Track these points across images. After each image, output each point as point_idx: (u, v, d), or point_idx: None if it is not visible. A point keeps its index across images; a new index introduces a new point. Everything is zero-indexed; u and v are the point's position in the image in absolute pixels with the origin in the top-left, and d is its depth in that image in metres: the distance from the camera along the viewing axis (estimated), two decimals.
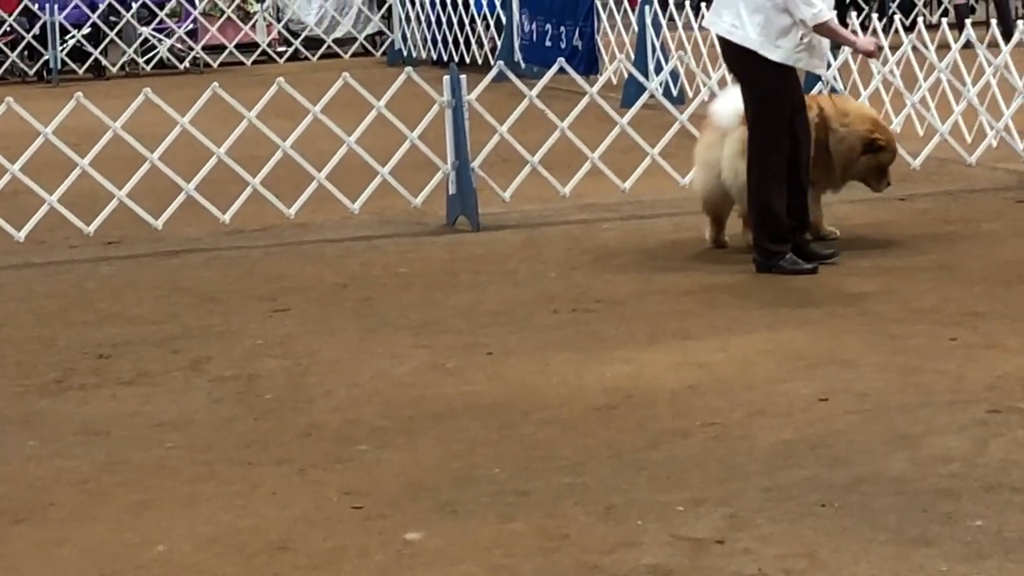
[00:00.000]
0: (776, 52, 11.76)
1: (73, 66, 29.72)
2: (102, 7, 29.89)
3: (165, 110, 14.77)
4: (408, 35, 32.34)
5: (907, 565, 6.54)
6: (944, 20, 21.82)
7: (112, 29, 29.77)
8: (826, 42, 11.91)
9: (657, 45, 21.49)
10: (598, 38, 25.31)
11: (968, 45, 15.75)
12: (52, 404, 9.66)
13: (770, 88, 11.95)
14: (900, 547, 6.75)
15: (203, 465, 8.30)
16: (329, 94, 15.39)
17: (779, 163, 11.80)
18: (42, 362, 10.68)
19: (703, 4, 19.39)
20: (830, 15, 11.70)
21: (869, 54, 12.28)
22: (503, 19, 28.38)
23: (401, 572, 6.73)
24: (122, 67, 29.93)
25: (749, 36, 11.73)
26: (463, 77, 14.69)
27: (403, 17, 32.30)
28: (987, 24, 20.47)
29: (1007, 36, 16.73)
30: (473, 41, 29.57)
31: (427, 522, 7.34)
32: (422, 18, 31.70)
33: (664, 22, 22.20)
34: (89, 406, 9.61)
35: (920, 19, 25.05)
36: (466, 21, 29.84)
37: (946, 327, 10.11)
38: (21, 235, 14.06)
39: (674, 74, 20.33)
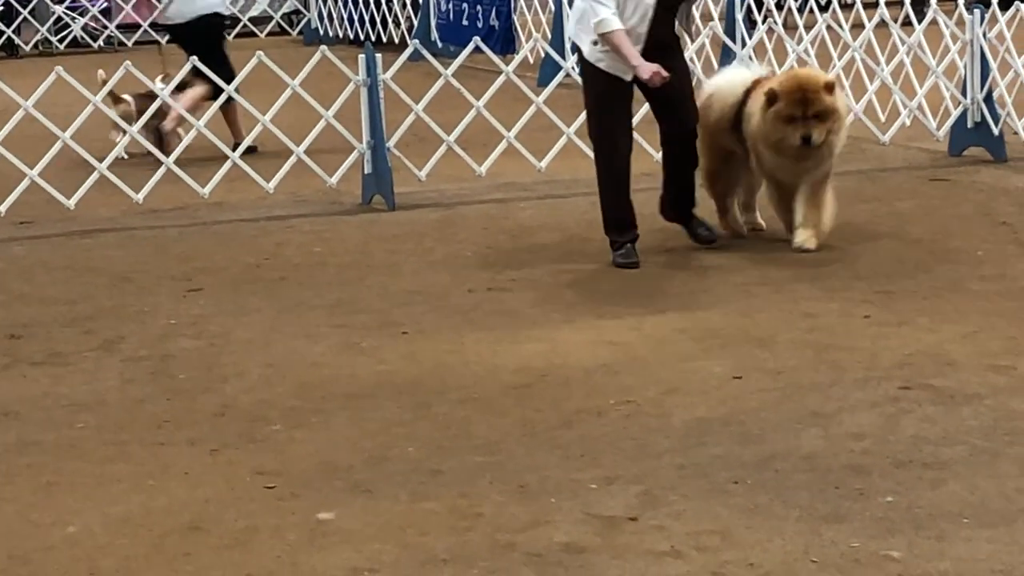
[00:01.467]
0: (585, 46, 11.53)
1: None
2: None
3: (78, 89, 14.67)
4: (324, 14, 32.32)
5: (819, 541, 6.62)
6: None
7: (25, 7, 29.59)
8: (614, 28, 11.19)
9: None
10: (515, 18, 25.36)
11: (882, 24, 15.81)
12: None
13: (590, 85, 11.75)
14: (812, 523, 6.83)
15: (115, 446, 8.30)
16: (243, 73, 15.37)
17: (606, 162, 11.68)
18: None
19: None
20: (616, 27, 10.99)
21: (649, 81, 11.13)
22: None
23: (314, 551, 6.75)
24: (35, 46, 29.91)
25: (569, 26, 12.22)
26: (379, 56, 14.63)
27: None
28: (901, 3, 20.62)
29: (920, 15, 16.84)
30: (390, 20, 29.41)
31: (340, 501, 7.38)
32: None
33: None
34: None
35: None
36: (383, 1, 29.96)
37: (859, 305, 10.21)
38: None
39: None
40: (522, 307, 10.61)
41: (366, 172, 14.78)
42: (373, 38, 28.10)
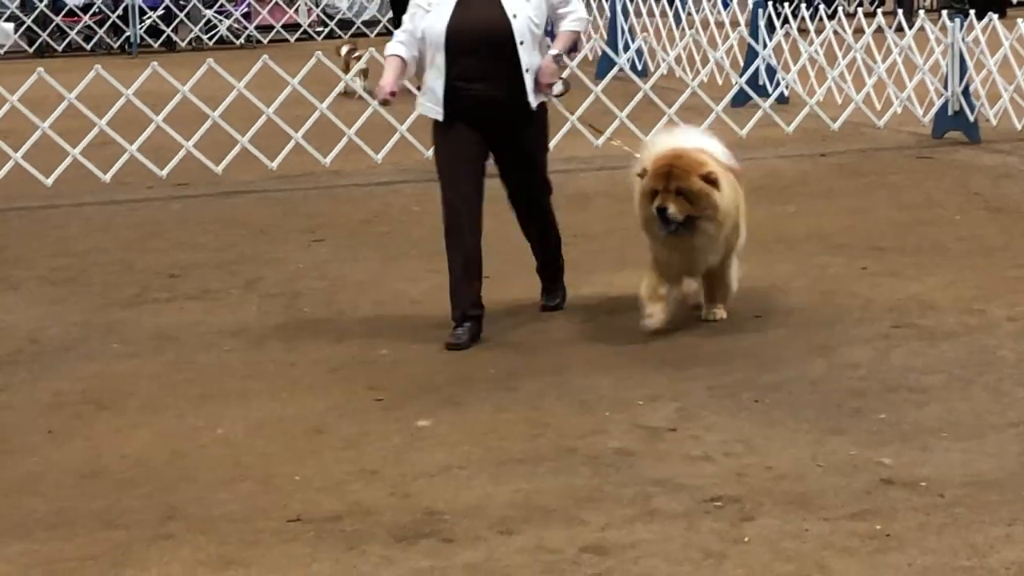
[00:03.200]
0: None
1: (150, 41, 29.71)
2: None
3: (225, 77, 14.78)
4: None
5: (823, 450, 6.67)
6: (860, 9, 21.79)
7: (182, 11, 29.90)
8: (439, 85, 7.76)
9: (626, 27, 21.32)
10: None
11: (879, 29, 15.72)
12: (131, 315, 9.76)
13: (433, 137, 8.42)
14: (818, 435, 6.88)
15: (254, 365, 8.43)
16: (359, 65, 15.42)
17: (445, 218, 8.31)
18: (123, 281, 10.75)
19: None
20: (389, 51, 8.10)
21: (384, 101, 8.18)
22: None
23: (413, 452, 6.85)
24: (189, 42, 30.13)
25: None
26: None
27: None
28: (895, 12, 20.49)
29: (910, 23, 16.76)
30: None
31: (435, 412, 7.46)
32: None
33: (631, 8, 22.07)
34: (162, 317, 9.71)
35: (840, 8, 24.94)
36: None
37: (857, 259, 10.15)
38: (107, 177, 14.05)
39: (639, 51, 20.22)
40: (583, 258, 10.44)
41: None
42: None
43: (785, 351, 8.25)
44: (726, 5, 22.37)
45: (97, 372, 8.50)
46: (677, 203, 7.06)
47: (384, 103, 8.12)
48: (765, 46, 16.39)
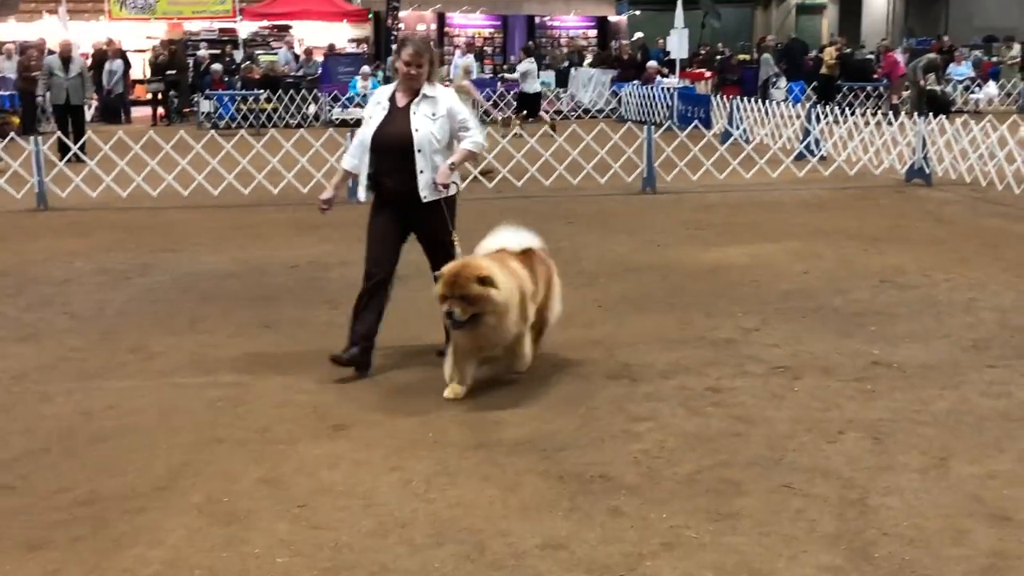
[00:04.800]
0: None
1: None
2: None
3: None
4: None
5: (839, 344, 6.85)
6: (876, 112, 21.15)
7: None
8: (367, 177, 6.20)
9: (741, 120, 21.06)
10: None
11: (879, 123, 15.84)
12: None
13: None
14: (836, 336, 7.04)
15: None
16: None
17: (364, 276, 6.27)
18: None
19: None
20: (343, 164, 6.39)
21: (322, 209, 6.36)
22: None
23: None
24: None
25: None
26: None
27: None
28: (887, 113, 20.03)
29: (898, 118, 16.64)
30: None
31: (632, 320, 7.43)
32: None
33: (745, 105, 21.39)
34: None
35: (858, 111, 24.27)
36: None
37: (864, 243, 10.04)
38: None
39: (744, 130, 19.23)
40: (710, 238, 10.43)
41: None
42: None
43: (820, 291, 8.17)
44: (796, 101, 22.04)
45: None
46: (460, 306, 5.52)
47: (322, 211, 6.34)
48: (816, 126, 16.58)
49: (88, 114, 19.70)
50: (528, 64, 22.53)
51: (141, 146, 13.77)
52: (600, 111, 25.05)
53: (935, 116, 15.86)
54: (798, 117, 17.19)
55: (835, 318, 7.52)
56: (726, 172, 14.45)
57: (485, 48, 32.75)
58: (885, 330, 7.21)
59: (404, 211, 6.16)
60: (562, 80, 27.74)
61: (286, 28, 28.62)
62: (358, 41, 29.72)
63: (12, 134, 14.46)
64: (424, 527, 4.35)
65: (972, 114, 21.01)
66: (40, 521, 4.48)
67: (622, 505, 4.56)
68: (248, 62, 25.71)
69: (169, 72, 25.18)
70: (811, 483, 4.76)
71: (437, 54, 6.20)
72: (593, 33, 34.19)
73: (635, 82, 24.95)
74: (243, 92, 23.52)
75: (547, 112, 22.46)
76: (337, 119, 22.49)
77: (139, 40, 28.17)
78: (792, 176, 14.77)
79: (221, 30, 28.19)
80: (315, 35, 28.39)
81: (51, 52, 19.21)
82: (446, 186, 6.06)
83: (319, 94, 23.79)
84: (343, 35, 29.31)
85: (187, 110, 24.89)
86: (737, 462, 5.00)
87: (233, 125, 21.79)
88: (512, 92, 23.96)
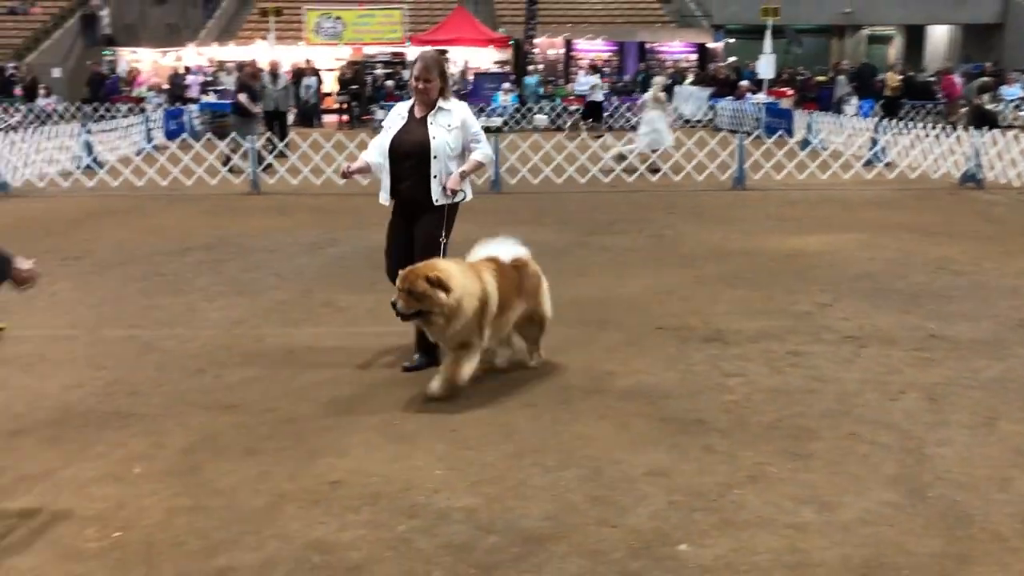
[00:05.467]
0: None
1: None
2: None
3: None
4: None
5: (901, 319, 6.62)
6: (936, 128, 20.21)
7: None
8: (387, 183, 5.51)
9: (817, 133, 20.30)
10: None
11: (937, 136, 15.15)
12: (599, 239, 9.42)
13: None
14: (899, 313, 6.78)
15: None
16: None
17: (386, 267, 5.59)
18: (597, 219, 10.33)
19: None
20: (364, 156, 5.65)
21: (344, 175, 5.58)
22: None
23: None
24: None
25: None
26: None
27: None
28: (945, 126, 19.20)
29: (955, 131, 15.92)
30: None
31: (726, 295, 7.38)
32: None
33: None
34: (614, 240, 9.20)
35: (911, 123, 23.32)
36: None
37: (922, 236, 9.66)
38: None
39: (822, 139, 19.36)
40: (791, 228, 10.14)
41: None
42: None
43: (884, 275, 7.90)
44: (865, 116, 21.34)
45: None
46: (404, 299, 4.77)
47: (344, 176, 5.53)
48: (882, 137, 16.01)
49: (289, 119, 20.17)
50: (594, 79, 22.91)
51: (331, 145, 14.13)
52: (698, 121, 24.84)
53: (988, 129, 15.08)
54: (867, 129, 16.66)
55: (897, 297, 7.29)
56: (805, 173, 14.13)
57: (603, 68, 32.46)
58: (940, 309, 6.95)
59: (415, 214, 5.43)
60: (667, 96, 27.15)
61: (444, 52, 28.81)
62: (501, 63, 29.79)
63: (233, 134, 14.90)
64: (553, 453, 4.37)
65: (1021, 129, 19.88)
66: (254, 433, 4.66)
67: (714, 444, 4.52)
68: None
69: (352, 86, 25.77)
70: (875, 433, 4.64)
71: (446, 70, 5.52)
72: (694, 57, 33.64)
73: (729, 97, 24.72)
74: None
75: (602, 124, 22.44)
76: (482, 126, 22.57)
77: (329, 61, 28.82)
78: (861, 179, 14.30)
79: (393, 54, 28.68)
80: (466, 57, 28.57)
81: (260, 71, 19.71)
82: (455, 192, 5.38)
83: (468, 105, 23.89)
84: (489, 58, 29.41)
85: (365, 117, 25.40)
86: (812, 413, 4.89)
87: None
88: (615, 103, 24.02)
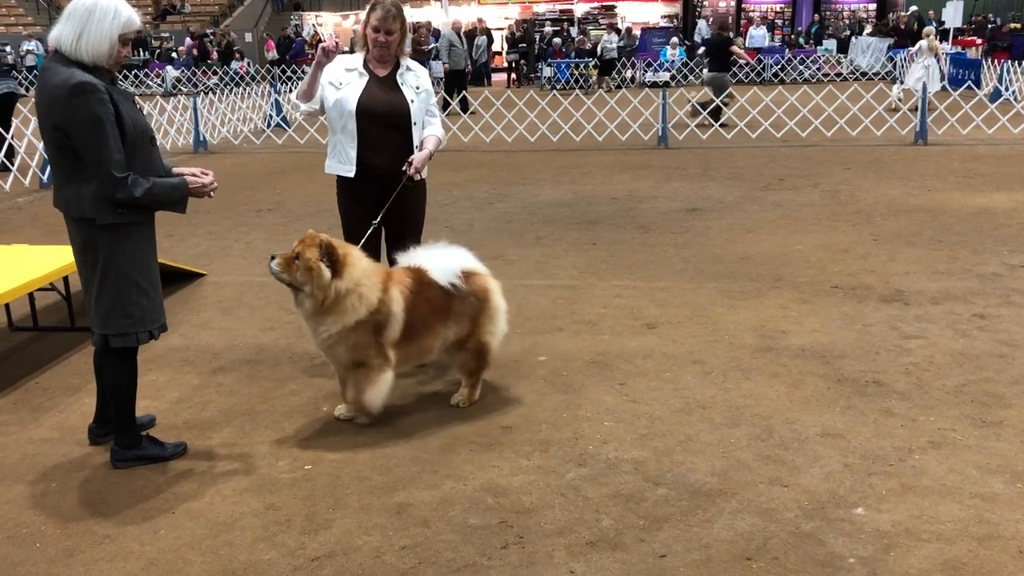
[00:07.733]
0: None
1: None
2: None
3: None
4: None
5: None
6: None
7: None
8: (352, 149, 4.40)
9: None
10: None
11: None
12: (765, 194, 9.16)
13: (339, 191, 4.68)
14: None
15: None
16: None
17: None
18: (762, 177, 10.15)
19: None
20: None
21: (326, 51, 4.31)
22: None
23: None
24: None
25: None
26: None
27: None
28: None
29: None
30: None
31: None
32: None
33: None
34: (778, 195, 8.96)
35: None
36: None
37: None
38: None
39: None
40: (977, 185, 9.43)
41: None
42: None
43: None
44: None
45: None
46: (286, 260, 3.80)
47: (325, 53, 4.22)
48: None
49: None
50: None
51: (501, 103, 14.26)
52: (876, 74, 23.52)
53: None
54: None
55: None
56: (995, 127, 13.17)
57: (775, 20, 31.24)
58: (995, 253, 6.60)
59: (384, 192, 4.43)
60: (843, 47, 26.03)
61: (611, 8, 28.44)
62: (669, 16, 29.13)
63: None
64: (722, 410, 4.27)
65: None
66: (429, 374, 4.73)
67: (893, 407, 4.29)
68: (581, 36, 25.86)
69: (521, 45, 25.86)
70: None
71: (408, 21, 4.49)
72: (872, 6, 31.68)
73: (910, 48, 22.87)
74: (576, 60, 23.76)
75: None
76: (649, 81, 22.68)
77: (499, 20, 29.03)
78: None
79: (561, 11, 28.57)
80: (634, 12, 28.10)
81: (437, 32, 20.02)
82: (418, 171, 4.37)
83: (636, 61, 23.74)
84: (657, 12, 28.81)
85: (532, 75, 25.50)
86: (1001, 379, 4.56)
87: (567, 87, 22.20)
88: (799, 57, 23.06)
